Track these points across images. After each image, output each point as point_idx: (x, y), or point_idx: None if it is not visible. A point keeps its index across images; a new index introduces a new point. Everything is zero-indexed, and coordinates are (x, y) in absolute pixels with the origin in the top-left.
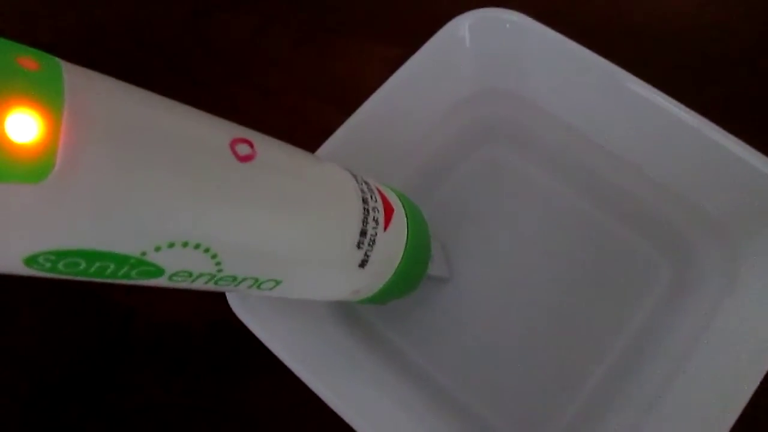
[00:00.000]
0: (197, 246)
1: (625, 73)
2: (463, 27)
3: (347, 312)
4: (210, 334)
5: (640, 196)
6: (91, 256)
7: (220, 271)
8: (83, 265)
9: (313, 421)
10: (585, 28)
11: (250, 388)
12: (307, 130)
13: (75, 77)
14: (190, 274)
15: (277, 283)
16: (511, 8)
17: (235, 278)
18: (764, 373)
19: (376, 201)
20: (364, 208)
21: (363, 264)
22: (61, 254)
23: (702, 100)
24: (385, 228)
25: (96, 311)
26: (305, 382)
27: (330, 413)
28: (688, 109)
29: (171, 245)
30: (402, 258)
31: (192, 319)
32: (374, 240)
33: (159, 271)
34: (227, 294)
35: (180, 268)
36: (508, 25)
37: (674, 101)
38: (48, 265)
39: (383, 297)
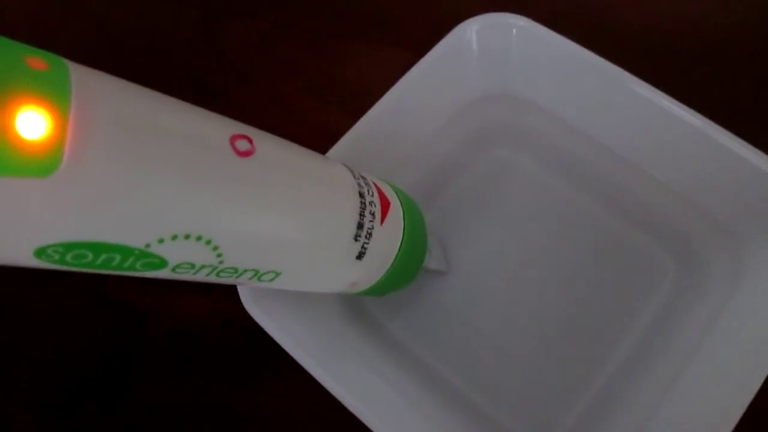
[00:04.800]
0: (199, 238)
1: (631, 77)
2: (470, 31)
3: (356, 309)
4: (222, 334)
5: (646, 197)
6: (97, 248)
7: (221, 263)
8: (90, 257)
9: (325, 420)
10: (591, 32)
11: (263, 388)
12: (315, 134)
13: (81, 76)
14: (193, 266)
15: (277, 274)
16: (518, 13)
17: (236, 270)
18: None
19: (372, 195)
20: (361, 202)
21: (360, 256)
22: (68, 246)
23: (707, 101)
24: (382, 221)
25: (110, 313)
26: (317, 378)
27: (342, 412)
28: (693, 111)
29: (174, 237)
30: (399, 250)
31: (204, 319)
32: (371, 233)
33: (162, 263)
34: (239, 290)
35: (183, 259)
36: (515, 30)
37: (679, 103)
38: (56, 256)
39: (381, 289)
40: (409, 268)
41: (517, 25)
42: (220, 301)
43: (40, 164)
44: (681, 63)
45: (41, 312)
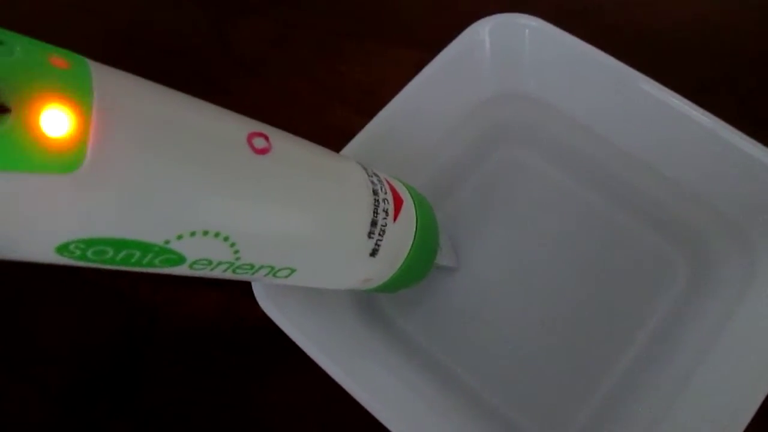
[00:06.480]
0: (217, 235)
1: (642, 76)
2: (483, 32)
3: (368, 305)
4: (234, 331)
5: (657, 196)
6: (118, 244)
7: (238, 259)
8: (110, 253)
9: (338, 417)
10: (602, 32)
11: (275, 384)
12: (328, 134)
13: (102, 75)
14: (210, 262)
15: (292, 271)
16: (530, 13)
17: (252, 266)
18: None
19: (386, 193)
20: (375, 200)
21: (374, 253)
22: (90, 242)
23: (718, 101)
24: (395, 218)
25: (123, 309)
26: (330, 374)
27: (354, 408)
28: (704, 111)
29: (192, 234)
30: (411, 247)
31: (217, 317)
32: (384, 230)
33: (181, 259)
34: (254, 287)
35: (200, 256)
36: (527, 31)
37: (690, 102)
38: (78, 252)
39: (393, 285)
40: (421, 265)
41: (529, 26)
42: (232, 298)
43: (63, 161)
44: (690, 61)
45: (55, 309)
